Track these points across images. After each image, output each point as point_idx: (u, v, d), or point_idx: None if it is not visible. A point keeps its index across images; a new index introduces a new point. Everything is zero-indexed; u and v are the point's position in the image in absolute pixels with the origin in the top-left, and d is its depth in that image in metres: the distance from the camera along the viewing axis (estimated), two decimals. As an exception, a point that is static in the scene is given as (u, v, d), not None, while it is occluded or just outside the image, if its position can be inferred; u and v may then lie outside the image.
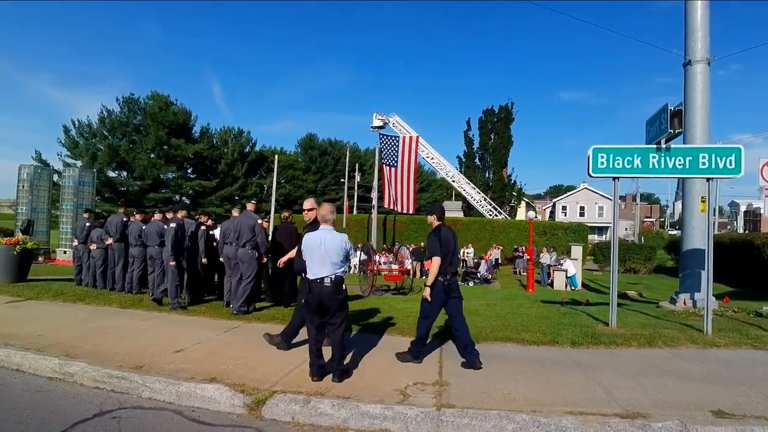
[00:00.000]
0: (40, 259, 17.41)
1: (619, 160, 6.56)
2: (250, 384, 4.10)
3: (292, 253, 6.23)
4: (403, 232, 34.74)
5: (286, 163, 53.42)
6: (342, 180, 51.19)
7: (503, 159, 44.28)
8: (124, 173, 40.74)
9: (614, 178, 6.71)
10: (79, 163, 35.17)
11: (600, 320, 7.21)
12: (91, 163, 35.45)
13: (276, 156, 38.92)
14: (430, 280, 4.89)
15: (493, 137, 44.96)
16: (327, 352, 4.51)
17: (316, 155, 60.40)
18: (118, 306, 7.64)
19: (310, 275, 4.45)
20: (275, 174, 33.56)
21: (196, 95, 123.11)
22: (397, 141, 33.15)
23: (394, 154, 33.25)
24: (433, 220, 5.17)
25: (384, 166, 32.33)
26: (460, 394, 3.99)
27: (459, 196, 47.56)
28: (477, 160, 46.29)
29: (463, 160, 46.34)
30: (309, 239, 4.54)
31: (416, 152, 33.65)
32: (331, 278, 4.35)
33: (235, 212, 8.03)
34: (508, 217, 37.68)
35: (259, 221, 7.72)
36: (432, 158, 40.60)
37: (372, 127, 41.60)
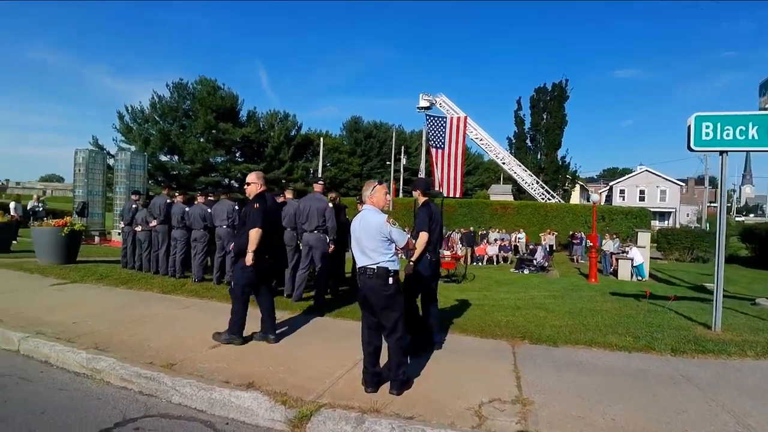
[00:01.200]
0: (96, 240, 17.83)
1: (729, 130, 5.41)
2: (293, 392, 3.48)
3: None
4: (450, 216, 33.70)
5: (332, 146, 53.25)
6: (388, 163, 50.46)
7: (556, 140, 42.08)
8: (176, 157, 41.65)
9: (722, 153, 5.57)
10: (132, 148, 36.16)
11: (695, 321, 6.16)
12: (144, 148, 36.37)
13: (321, 139, 38.70)
14: (415, 256, 4.60)
15: (545, 117, 42.77)
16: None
17: (362, 138, 59.89)
18: (160, 291, 7.28)
19: (357, 264, 3.76)
20: (321, 157, 33.40)
21: (242, 81, 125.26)
22: (444, 121, 31.74)
23: (441, 135, 32.00)
24: (417, 195, 4.97)
25: (431, 148, 31.29)
26: (550, 417, 3.20)
27: (508, 179, 45.81)
28: (528, 141, 44.30)
29: (513, 141, 44.45)
30: (353, 221, 3.85)
31: (464, 133, 31.95)
32: (372, 269, 3.62)
33: (288, 194, 7.47)
34: (562, 201, 35.78)
35: (330, 205, 6.93)
36: (481, 139, 39.06)
37: (418, 107, 40.47)
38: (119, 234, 18.02)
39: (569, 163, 42.32)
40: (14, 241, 13.11)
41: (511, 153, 40.85)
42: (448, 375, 4.04)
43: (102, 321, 5.42)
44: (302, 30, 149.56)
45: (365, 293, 3.63)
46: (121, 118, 39.69)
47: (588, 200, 65.87)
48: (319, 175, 31.97)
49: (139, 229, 9.08)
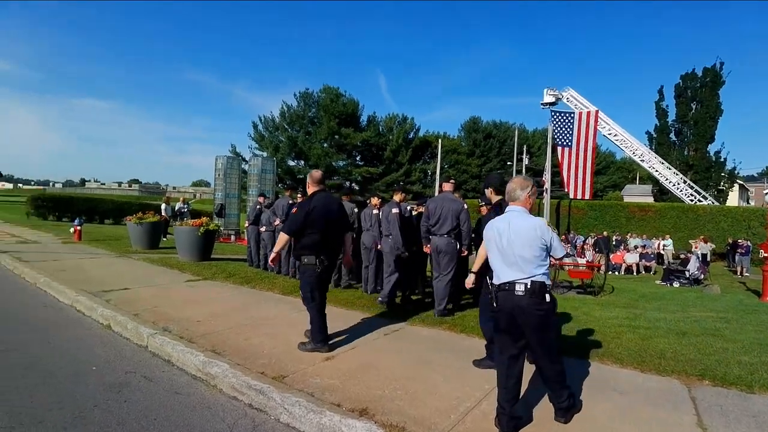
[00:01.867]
0: (232, 238, 19.35)
1: None
2: (412, 427, 2.92)
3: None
4: (579, 220, 31.03)
5: (450, 147, 52.52)
6: (509, 163, 48.29)
7: (708, 132, 36.71)
8: (302, 162, 44.32)
9: None
10: (264, 154, 39.18)
11: None
12: (274, 153, 39.23)
13: (440, 141, 38.16)
14: (477, 266, 3.95)
15: (694, 107, 37.53)
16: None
17: (480, 138, 58.17)
18: (280, 292, 7.28)
19: (495, 279, 3.08)
20: (439, 159, 32.88)
21: (362, 88, 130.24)
22: (572, 117, 29.53)
23: (568, 132, 29.74)
24: (490, 193, 4.36)
25: (557, 146, 29.12)
26: None
27: (648, 179, 41.02)
28: (672, 135, 39.24)
29: (654, 135, 39.77)
30: (489, 226, 3.20)
31: (595, 129, 29.60)
32: (525, 284, 2.92)
33: (396, 197, 7.05)
34: (716, 203, 30.83)
35: (465, 206, 6.18)
36: (615, 135, 35.35)
37: (542, 104, 37.82)
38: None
39: (725, 159, 36.54)
40: (164, 238, 14.58)
41: (651, 149, 36.46)
42: (604, 417, 3.17)
43: (222, 321, 5.42)
44: (419, 34, 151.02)
45: (512, 314, 2.97)
46: (255, 127, 43.37)
47: (748, 201, 56.47)
48: (437, 177, 31.42)
49: (263, 229, 9.33)
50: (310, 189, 4.65)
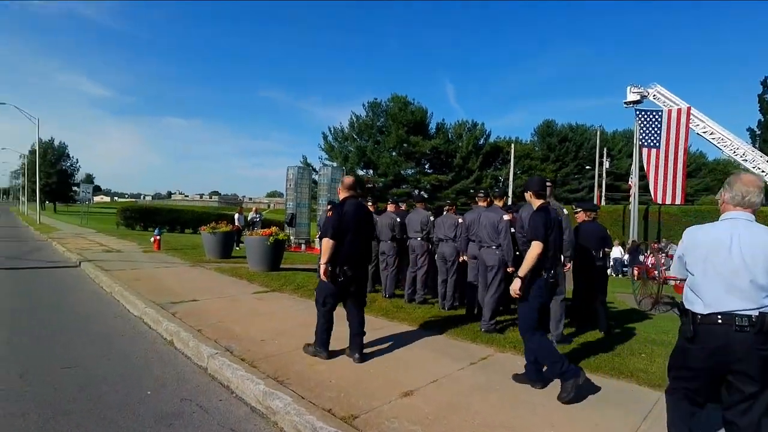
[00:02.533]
0: (302, 248, 19.35)
1: None
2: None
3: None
4: (672, 227, 28.24)
5: (522, 152, 50.42)
6: (588, 167, 45.53)
7: (828, 126, 32.27)
8: (371, 171, 44.36)
9: None
10: (334, 164, 39.56)
11: None
12: (344, 163, 39.53)
13: (512, 145, 36.59)
14: (524, 270, 3.63)
15: (809, 98, 33.20)
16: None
17: (555, 143, 55.42)
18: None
19: (700, 306, 2.32)
20: (512, 164, 31.44)
21: (430, 97, 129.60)
22: (660, 116, 27.08)
23: (655, 132, 27.34)
24: (530, 197, 4.02)
25: (642, 147, 26.78)
26: None
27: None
28: (780, 131, 34.98)
29: (758, 132, 35.71)
30: (696, 234, 2.44)
31: (687, 127, 26.93)
32: (751, 317, 2.18)
33: (481, 203, 6.24)
34: (842, 208, 26.78)
35: (506, 217, 5.50)
36: (711, 133, 32.06)
37: (626, 102, 35.07)
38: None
39: None
40: (236, 248, 14.70)
41: (755, 147, 32.69)
42: None
43: (287, 341, 4.91)
44: (486, 39, 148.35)
45: (727, 354, 2.22)
46: (325, 138, 44.06)
47: None
48: (510, 183, 30.03)
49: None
50: (341, 195, 4.50)
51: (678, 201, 26.54)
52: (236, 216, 16.65)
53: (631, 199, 27.91)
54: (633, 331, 6.13)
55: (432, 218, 6.91)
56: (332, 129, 45.02)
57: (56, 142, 69.28)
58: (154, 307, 6.26)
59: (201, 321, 5.62)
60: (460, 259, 6.40)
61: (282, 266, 10.58)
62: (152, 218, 26.67)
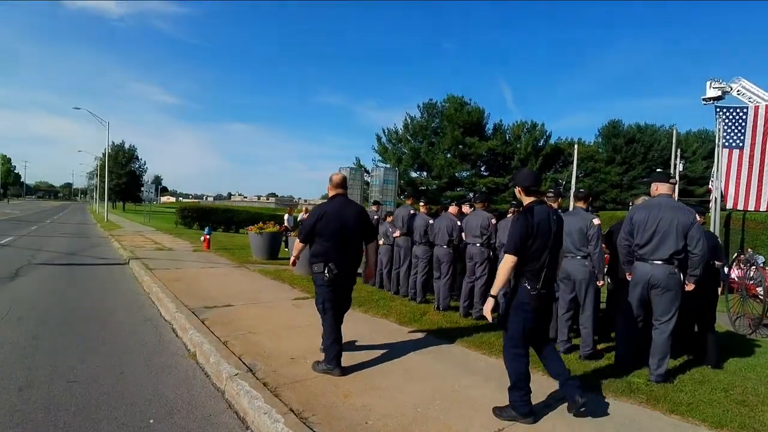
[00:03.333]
0: None
1: None
2: None
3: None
4: (758, 236, 25.36)
5: (585, 154, 47.60)
6: (658, 170, 42.16)
7: None
8: (424, 173, 43.41)
9: None
10: (387, 166, 38.99)
11: None
12: (397, 165, 38.84)
13: (576, 145, 34.53)
14: (495, 288, 3.08)
15: None
16: None
17: (621, 144, 51.96)
18: (396, 320, 5.92)
19: None
20: (575, 166, 29.46)
21: (487, 100, 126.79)
22: (745, 113, 24.38)
23: (739, 131, 24.65)
24: (519, 192, 3.27)
25: (724, 148, 24.24)
26: None
27: None
28: None
29: None
30: None
31: None
32: None
33: (552, 203, 5.26)
34: None
35: (596, 220, 4.72)
36: (807, 132, 28.58)
37: (704, 99, 31.71)
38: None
39: None
40: (285, 249, 14.32)
41: None
42: None
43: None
44: (543, 38, 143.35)
45: None
46: (378, 139, 43.57)
47: None
48: (572, 187, 28.10)
49: (381, 242, 8.14)
50: (330, 192, 4.26)
51: (763, 207, 23.87)
52: (286, 216, 16.31)
53: (712, 204, 25.32)
54: (750, 365, 4.94)
55: (494, 221, 6.02)
56: (386, 130, 44.44)
57: (126, 145, 73.25)
58: (185, 312, 5.78)
59: (230, 330, 5.04)
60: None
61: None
62: (208, 218, 27.14)
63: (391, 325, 5.70)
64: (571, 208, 6.15)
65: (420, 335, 5.29)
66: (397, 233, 7.60)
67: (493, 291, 3.11)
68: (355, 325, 5.39)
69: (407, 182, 40.75)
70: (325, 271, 3.95)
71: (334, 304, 4.03)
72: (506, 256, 3.07)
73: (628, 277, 4.29)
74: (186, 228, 27.57)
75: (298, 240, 4.23)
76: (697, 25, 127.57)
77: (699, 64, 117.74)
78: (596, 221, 4.62)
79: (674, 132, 25.43)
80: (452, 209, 6.68)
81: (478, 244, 6.00)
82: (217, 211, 29.34)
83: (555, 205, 5.09)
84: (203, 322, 5.33)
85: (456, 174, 42.39)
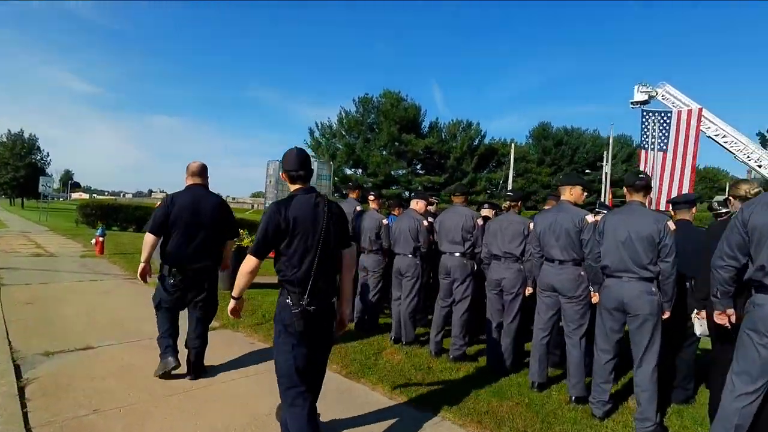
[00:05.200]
0: None
1: None
2: None
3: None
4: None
5: (518, 155, 48.27)
6: (588, 171, 43.67)
7: None
8: (359, 170, 41.70)
9: None
10: (321, 159, 36.91)
11: None
12: (331, 161, 36.79)
13: (512, 146, 34.37)
14: (236, 289, 2.54)
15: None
16: None
17: (551, 146, 53.51)
18: (339, 370, 4.07)
19: None
20: (512, 165, 29.17)
21: (420, 101, 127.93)
22: (669, 117, 25.11)
23: (663, 134, 25.38)
24: (284, 178, 2.66)
25: (643, 150, 24.85)
26: None
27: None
28: (791, 137, 33.34)
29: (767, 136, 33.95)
30: None
31: (697, 130, 24.98)
32: None
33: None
34: None
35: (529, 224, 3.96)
36: (723, 136, 30.14)
37: (632, 102, 33.05)
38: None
39: None
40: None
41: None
42: None
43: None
44: (475, 46, 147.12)
45: None
46: (311, 133, 41.33)
47: None
48: (509, 187, 27.70)
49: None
50: (186, 181, 3.82)
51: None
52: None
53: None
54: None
55: (480, 221, 4.35)
56: (319, 124, 42.16)
57: (26, 134, 65.08)
58: (1, 365, 3.60)
59: (59, 408, 2.99)
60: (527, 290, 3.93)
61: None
62: (116, 216, 23.61)
63: (330, 379, 3.83)
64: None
65: (380, 396, 3.49)
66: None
67: (235, 292, 2.53)
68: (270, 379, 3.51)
69: (341, 179, 38.84)
70: (169, 274, 3.62)
71: (170, 306, 3.73)
72: (247, 257, 2.45)
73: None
74: (89, 227, 23.93)
75: (147, 234, 3.60)
76: (619, 35, 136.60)
77: (621, 73, 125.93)
78: (590, 218, 3.58)
79: (612, 135, 25.56)
80: (417, 205, 4.92)
81: (457, 254, 4.31)
82: (127, 208, 25.73)
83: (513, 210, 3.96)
84: (20, 390, 3.21)
85: (392, 172, 41.07)
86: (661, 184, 24.30)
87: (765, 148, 32.72)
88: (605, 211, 3.91)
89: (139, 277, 3.69)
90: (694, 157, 25.35)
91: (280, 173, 2.59)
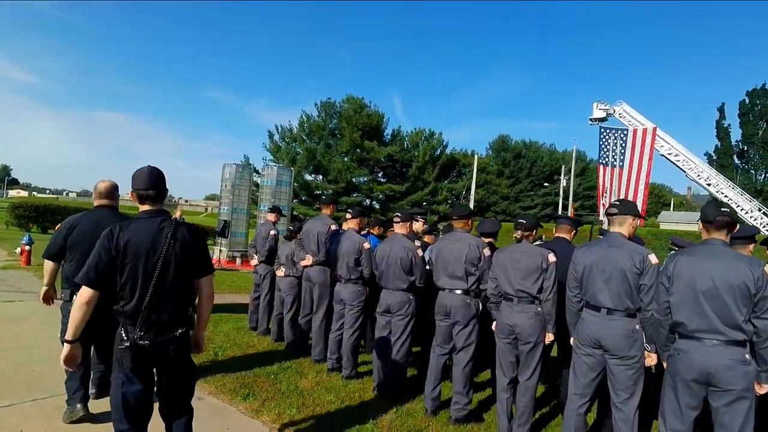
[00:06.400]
0: (237, 261, 15.82)
1: None
2: None
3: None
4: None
5: (479, 166, 48.64)
6: (546, 184, 44.39)
7: (783, 155, 32.53)
8: (320, 177, 40.60)
9: None
10: (281, 165, 35.60)
11: None
12: (291, 166, 35.54)
13: (475, 157, 34.32)
14: (69, 333, 2.23)
15: (763, 126, 33.41)
16: None
17: (510, 158, 54.26)
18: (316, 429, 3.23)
19: None
20: (474, 176, 29.00)
21: (381, 109, 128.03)
22: (625, 135, 25.74)
23: (619, 151, 25.99)
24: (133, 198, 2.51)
25: (601, 165, 25.33)
26: None
27: (681, 206, 36.77)
28: (735, 157, 35.09)
29: (715, 157, 35.61)
30: None
31: (651, 148, 25.69)
32: None
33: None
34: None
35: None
36: (675, 155, 31.24)
37: (591, 119, 33.87)
38: (247, 255, 15.29)
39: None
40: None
41: (714, 172, 32.30)
42: None
43: None
44: (436, 56, 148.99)
45: None
46: (270, 137, 39.93)
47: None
48: (471, 198, 27.41)
49: (281, 274, 5.33)
50: (95, 202, 3.53)
51: (637, 223, 25.27)
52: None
53: (604, 218, 26.20)
54: None
55: (487, 252, 3.61)
56: (279, 127, 40.79)
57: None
58: None
59: None
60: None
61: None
62: (51, 218, 21.55)
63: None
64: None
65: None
66: (307, 260, 4.85)
67: (69, 334, 2.17)
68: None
69: (302, 186, 37.64)
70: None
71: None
72: (81, 288, 2.16)
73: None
74: (21, 230, 21.69)
75: (46, 261, 3.30)
76: (574, 56, 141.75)
77: (576, 91, 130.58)
78: (551, 258, 3.28)
79: (574, 148, 25.84)
80: (403, 228, 4.11)
81: (459, 291, 3.56)
82: (66, 209, 23.62)
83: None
84: None
85: (353, 179, 40.21)
86: (610, 199, 24.75)
87: (712, 167, 34.12)
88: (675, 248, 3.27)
89: (42, 299, 3.44)
90: (648, 174, 25.95)
91: (130, 192, 2.38)
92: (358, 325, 4.29)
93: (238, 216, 17.15)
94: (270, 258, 5.74)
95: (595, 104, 33.65)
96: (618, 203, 3.00)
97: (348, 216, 4.58)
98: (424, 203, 42.48)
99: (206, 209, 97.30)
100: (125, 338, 2.13)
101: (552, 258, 3.20)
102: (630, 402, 2.77)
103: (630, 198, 24.64)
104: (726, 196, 29.81)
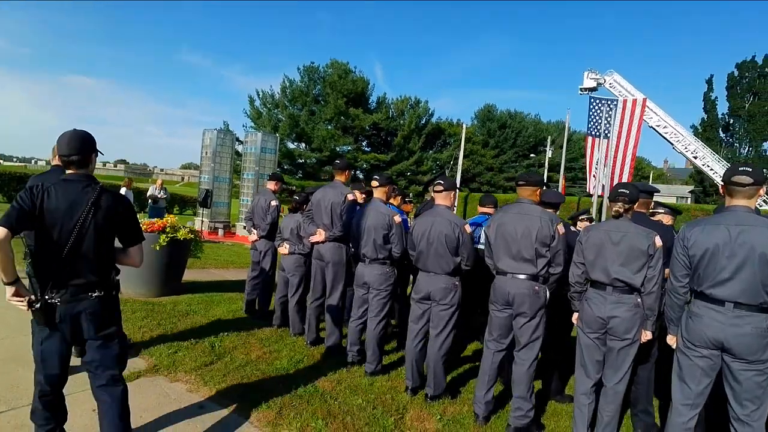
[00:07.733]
0: (220, 233, 15.02)
1: None
2: None
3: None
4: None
5: (465, 136, 47.93)
6: (532, 155, 44.02)
7: (767, 128, 32.59)
8: (303, 145, 39.32)
9: None
10: (264, 131, 34.29)
11: None
12: (273, 133, 34.24)
13: (463, 126, 33.51)
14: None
15: (750, 99, 33.31)
16: None
17: (495, 128, 53.57)
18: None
19: None
20: (462, 146, 28.18)
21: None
22: (615, 105, 25.26)
23: (608, 122, 25.58)
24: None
25: (589, 137, 24.91)
26: None
27: (659, 178, 37.16)
28: (720, 131, 35.10)
29: (700, 130, 35.54)
30: None
31: (640, 119, 25.31)
32: None
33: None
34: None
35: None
36: (664, 127, 30.96)
37: (581, 89, 33.20)
38: (244, 228, 14.30)
39: (789, 158, 32.58)
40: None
41: (701, 145, 32.25)
42: None
43: None
44: (417, 26, 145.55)
45: None
46: (251, 102, 38.31)
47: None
48: (459, 169, 26.69)
49: (285, 250, 4.61)
50: (52, 162, 3.30)
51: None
52: (123, 191, 11.40)
53: (593, 190, 25.94)
54: None
55: (561, 228, 2.95)
56: (260, 92, 39.07)
57: None
58: None
59: None
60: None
61: (186, 280, 6.15)
62: (13, 187, 19.99)
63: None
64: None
65: None
66: (318, 235, 4.12)
67: (5, 279, 2.02)
68: None
69: (284, 154, 36.40)
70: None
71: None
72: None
73: None
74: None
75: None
76: (561, 27, 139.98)
77: (564, 63, 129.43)
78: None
79: (567, 119, 25.19)
80: (446, 199, 3.40)
81: (523, 276, 2.90)
82: (26, 178, 22.06)
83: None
84: None
85: (337, 148, 39.08)
86: (602, 171, 24.46)
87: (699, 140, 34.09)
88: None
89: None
90: (635, 146, 25.62)
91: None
92: (386, 312, 3.62)
93: (219, 185, 16.30)
94: (271, 233, 5.00)
95: (585, 73, 32.97)
96: (749, 169, 2.33)
97: (375, 183, 3.82)
98: (409, 173, 41.78)
99: (183, 178, 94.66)
100: (36, 299, 2.08)
101: (659, 242, 2.54)
102: (758, 414, 2.20)
103: (617, 170, 24.37)
104: (712, 169, 29.86)
